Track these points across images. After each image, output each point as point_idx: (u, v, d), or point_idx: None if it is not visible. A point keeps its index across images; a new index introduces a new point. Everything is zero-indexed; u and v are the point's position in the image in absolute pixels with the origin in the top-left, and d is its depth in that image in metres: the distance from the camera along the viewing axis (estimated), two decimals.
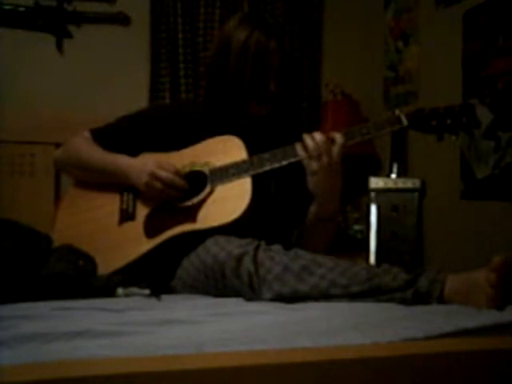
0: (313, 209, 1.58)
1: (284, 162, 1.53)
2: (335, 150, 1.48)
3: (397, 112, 1.53)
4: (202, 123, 1.70)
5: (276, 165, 1.53)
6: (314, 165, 1.48)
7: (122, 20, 2.86)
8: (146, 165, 1.58)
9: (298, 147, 1.50)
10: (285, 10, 3.09)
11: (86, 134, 1.74)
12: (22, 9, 2.71)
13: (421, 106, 2.73)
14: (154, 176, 1.55)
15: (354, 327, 0.90)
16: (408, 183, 2.71)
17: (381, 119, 1.55)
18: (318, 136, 1.48)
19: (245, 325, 0.97)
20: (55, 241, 1.54)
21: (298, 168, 1.53)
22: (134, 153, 1.68)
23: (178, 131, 1.69)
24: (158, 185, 1.55)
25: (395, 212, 2.70)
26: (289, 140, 1.56)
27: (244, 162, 1.55)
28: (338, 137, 1.49)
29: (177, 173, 1.56)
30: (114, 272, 1.50)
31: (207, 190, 1.56)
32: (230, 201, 1.51)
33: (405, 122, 1.50)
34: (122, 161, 1.64)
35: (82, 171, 1.72)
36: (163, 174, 1.54)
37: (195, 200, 1.55)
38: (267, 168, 1.54)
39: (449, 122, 1.47)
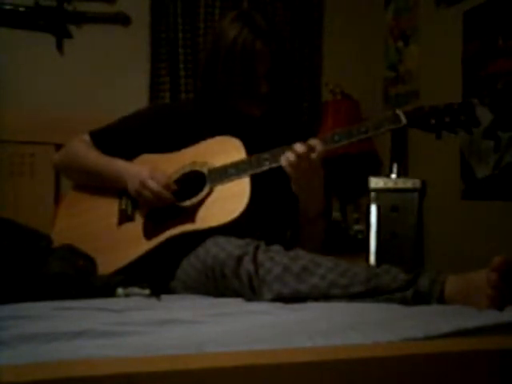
0: (298, 210, 1.60)
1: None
2: (313, 156, 1.47)
3: (396, 111, 1.52)
4: (201, 123, 1.70)
5: (275, 165, 1.53)
6: (293, 173, 1.48)
7: (122, 20, 2.85)
8: (139, 172, 1.59)
9: (282, 157, 1.50)
10: (285, 9, 3.09)
11: (85, 136, 1.75)
12: (22, 9, 2.71)
13: (420, 105, 2.73)
14: (143, 185, 1.55)
15: (353, 327, 0.90)
16: (408, 183, 2.71)
17: (380, 117, 1.55)
18: (296, 145, 1.48)
19: (245, 325, 0.97)
20: (55, 242, 1.54)
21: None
22: (133, 154, 1.69)
23: (177, 131, 1.69)
24: (147, 193, 1.55)
25: (395, 212, 2.69)
26: (288, 140, 1.56)
27: (243, 162, 1.55)
28: (317, 144, 1.48)
29: (167, 185, 1.56)
30: (114, 272, 1.50)
31: (206, 190, 1.55)
32: (229, 201, 1.51)
33: (403, 120, 1.49)
34: (120, 166, 1.65)
35: (81, 175, 1.73)
36: (153, 185, 1.55)
37: (194, 200, 1.55)
38: (266, 168, 1.53)
39: (447, 119, 1.47)
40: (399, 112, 1.51)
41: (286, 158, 1.48)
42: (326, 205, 1.62)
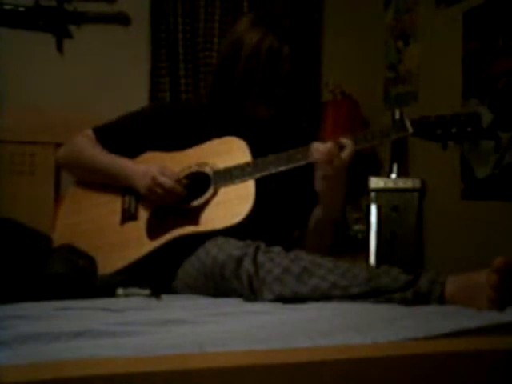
0: (318, 211, 1.58)
1: (288, 166, 1.52)
2: (346, 154, 1.46)
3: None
4: (207, 123, 1.70)
5: (280, 168, 1.53)
6: (328, 169, 1.46)
7: (122, 20, 2.85)
8: (149, 169, 1.58)
9: (315, 151, 1.48)
10: (285, 10, 3.09)
11: (89, 132, 1.74)
12: (22, 9, 2.71)
13: (421, 106, 2.73)
14: (155, 181, 1.55)
15: (353, 327, 0.90)
16: (408, 183, 2.71)
17: (386, 126, 1.55)
18: (328, 143, 1.47)
19: (245, 325, 0.97)
20: (55, 240, 1.54)
21: (301, 171, 1.53)
22: (137, 151, 1.68)
23: (182, 131, 1.68)
24: (159, 190, 1.55)
25: (395, 212, 2.70)
26: (292, 143, 1.56)
27: (248, 164, 1.55)
28: (348, 142, 1.47)
29: (178, 180, 1.56)
30: (114, 272, 1.50)
31: (210, 191, 1.55)
32: (233, 204, 1.51)
33: (410, 129, 1.49)
34: (126, 164, 1.64)
35: (85, 171, 1.73)
36: (164, 180, 1.55)
37: (198, 202, 1.55)
38: (271, 171, 1.53)
39: (454, 130, 1.47)
40: (406, 121, 1.51)
41: (320, 154, 1.46)
42: (344, 209, 1.61)
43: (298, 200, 1.67)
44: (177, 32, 2.92)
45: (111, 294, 1.34)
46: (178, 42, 2.92)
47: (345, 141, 1.47)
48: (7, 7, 2.69)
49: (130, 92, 2.81)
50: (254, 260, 1.31)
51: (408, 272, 1.22)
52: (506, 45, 2.31)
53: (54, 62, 2.77)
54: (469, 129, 1.46)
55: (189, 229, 1.51)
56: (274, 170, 1.53)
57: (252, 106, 1.62)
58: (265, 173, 1.53)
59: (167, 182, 1.55)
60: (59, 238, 1.60)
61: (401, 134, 1.51)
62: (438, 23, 2.74)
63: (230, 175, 1.55)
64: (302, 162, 1.51)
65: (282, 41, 1.58)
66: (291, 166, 1.52)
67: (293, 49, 1.60)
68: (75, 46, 2.80)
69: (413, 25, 2.92)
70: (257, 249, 1.34)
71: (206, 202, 1.54)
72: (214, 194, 1.55)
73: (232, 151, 1.59)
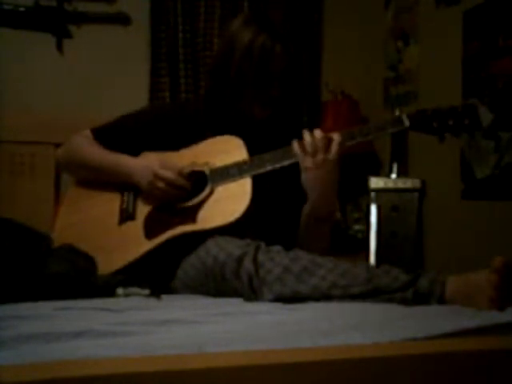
0: (306, 207, 1.58)
1: (285, 163, 1.52)
2: (332, 148, 1.47)
3: (397, 112, 1.52)
4: (204, 123, 1.70)
5: (276, 165, 1.53)
6: (307, 161, 1.47)
7: (122, 20, 2.85)
8: (149, 164, 1.58)
9: (295, 143, 1.50)
10: (284, 10, 3.09)
11: (87, 132, 1.74)
12: (22, 9, 2.71)
13: (421, 106, 2.73)
14: (157, 175, 1.55)
15: (354, 327, 0.90)
16: (408, 183, 2.71)
17: (382, 120, 1.55)
18: (316, 132, 1.48)
19: (245, 325, 0.97)
20: (55, 240, 1.54)
21: (295, 170, 1.53)
22: (134, 152, 1.68)
23: (179, 131, 1.69)
24: (161, 184, 1.55)
25: (395, 212, 2.70)
26: (290, 141, 1.56)
27: (244, 162, 1.55)
28: (336, 136, 1.48)
29: (180, 173, 1.56)
30: (114, 272, 1.50)
31: (207, 190, 1.55)
32: (230, 201, 1.51)
33: (406, 122, 1.49)
34: (126, 160, 1.64)
35: (85, 170, 1.73)
36: (166, 173, 1.55)
37: (195, 200, 1.55)
38: (268, 168, 1.53)
39: (451, 122, 1.46)
40: (402, 114, 1.51)
41: (302, 147, 1.47)
42: (335, 209, 1.60)
43: (290, 198, 1.66)
44: (177, 32, 2.92)
45: (111, 293, 1.34)
46: (178, 41, 2.92)
47: (333, 134, 1.47)
48: (7, 7, 2.69)
49: (130, 92, 2.81)
50: (255, 259, 1.31)
51: (408, 272, 1.23)
52: (506, 45, 2.31)
53: (53, 62, 2.77)
54: (466, 121, 1.46)
55: (186, 227, 1.52)
56: (270, 168, 1.53)
57: (248, 106, 1.62)
58: (261, 170, 1.53)
59: (169, 175, 1.54)
60: (59, 237, 1.60)
61: (397, 127, 1.51)
62: (437, 23, 2.74)
63: (227, 173, 1.55)
64: (293, 160, 1.51)
65: (274, 39, 1.58)
66: (286, 163, 1.52)
67: (285, 47, 1.59)
68: (75, 45, 2.80)
69: (413, 25, 2.92)
70: (257, 248, 1.34)
71: (203, 201, 1.54)
72: (211, 193, 1.55)
73: (229, 150, 1.60)
